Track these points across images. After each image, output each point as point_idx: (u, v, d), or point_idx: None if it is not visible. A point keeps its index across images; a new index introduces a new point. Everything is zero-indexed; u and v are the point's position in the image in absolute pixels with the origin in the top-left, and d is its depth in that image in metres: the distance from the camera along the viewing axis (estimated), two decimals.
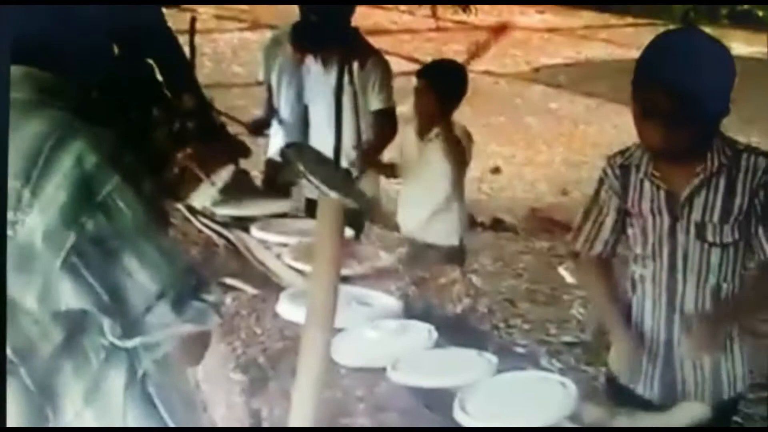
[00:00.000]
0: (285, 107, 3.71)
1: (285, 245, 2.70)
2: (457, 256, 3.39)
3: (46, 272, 1.26)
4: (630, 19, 12.36)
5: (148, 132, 2.07)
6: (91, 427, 1.36)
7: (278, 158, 3.70)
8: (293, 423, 1.58)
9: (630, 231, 2.18)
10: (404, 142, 3.55)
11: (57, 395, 1.34)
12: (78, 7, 1.37)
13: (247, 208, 2.97)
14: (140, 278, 1.27)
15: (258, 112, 4.04)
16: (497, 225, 5.25)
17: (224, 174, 2.86)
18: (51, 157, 1.25)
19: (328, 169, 1.55)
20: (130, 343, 1.29)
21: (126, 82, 1.54)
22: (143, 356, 1.34)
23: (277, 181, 3.59)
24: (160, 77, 2.73)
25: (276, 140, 3.76)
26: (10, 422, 1.35)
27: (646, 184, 2.10)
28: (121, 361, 1.34)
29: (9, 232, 1.26)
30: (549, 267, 4.72)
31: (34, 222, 1.24)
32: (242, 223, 2.85)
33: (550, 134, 7.67)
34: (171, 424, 1.41)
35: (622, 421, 1.73)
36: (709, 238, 2.04)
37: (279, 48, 3.74)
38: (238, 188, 3.02)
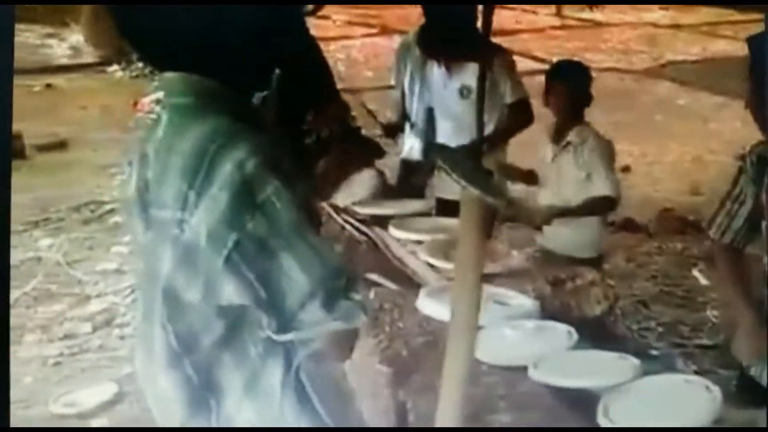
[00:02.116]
0: (416, 110, 3.77)
1: (420, 242, 2.77)
2: (594, 261, 3.31)
3: (209, 269, 1.34)
4: (755, 15, 11.80)
5: (301, 137, 2.17)
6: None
7: (412, 158, 3.78)
8: (440, 416, 1.63)
9: (764, 223, 2.17)
10: (539, 154, 3.43)
11: (219, 386, 1.42)
12: (231, 17, 1.41)
13: (385, 207, 3.07)
14: (295, 276, 1.32)
15: (389, 115, 4.12)
16: (629, 225, 5.14)
17: (369, 180, 2.98)
18: (215, 160, 1.32)
19: (470, 167, 1.57)
20: (285, 338, 1.36)
21: (281, 90, 1.61)
22: (298, 350, 1.42)
23: (413, 180, 3.66)
24: (307, 84, 2.84)
25: (409, 141, 3.83)
26: (176, 411, 1.44)
27: None
28: (279, 355, 1.42)
29: (176, 230, 1.36)
30: (682, 268, 4.60)
31: (199, 221, 1.32)
32: (380, 221, 2.94)
33: (679, 132, 7.45)
34: (323, 414, 1.48)
35: (760, 422, 1.70)
36: None
37: (409, 52, 3.81)
38: (376, 188, 3.13)
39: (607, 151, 3.26)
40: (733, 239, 2.24)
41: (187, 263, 1.36)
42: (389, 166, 3.60)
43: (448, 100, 3.64)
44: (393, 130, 3.88)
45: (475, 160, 3.24)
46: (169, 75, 1.48)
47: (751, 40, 1.98)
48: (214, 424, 1.42)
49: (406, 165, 3.82)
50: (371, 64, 9.31)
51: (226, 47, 1.41)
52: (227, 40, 1.41)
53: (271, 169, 1.34)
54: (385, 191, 3.24)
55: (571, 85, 3.27)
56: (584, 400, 1.80)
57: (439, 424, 1.64)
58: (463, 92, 3.60)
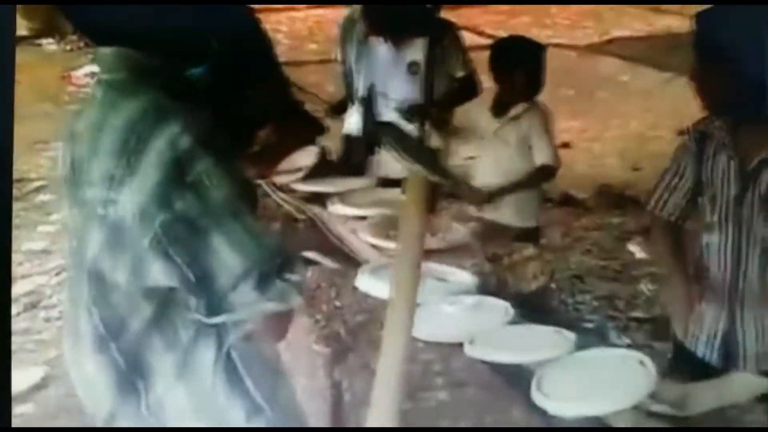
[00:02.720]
0: (361, 87, 3.74)
1: (362, 218, 2.76)
2: (532, 234, 3.38)
3: (136, 249, 1.31)
4: None
5: (237, 112, 2.14)
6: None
7: (355, 134, 3.75)
8: (376, 395, 1.63)
9: (701, 199, 2.21)
10: (476, 118, 3.50)
11: (148, 370, 1.39)
12: None
13: (326, 184, 3.04)
14: (226, 258, 1.30)
15: (331, 90, 4.09)
16: (567, 201, 5.20)
17: (310, 156, 2.95)
18: (146, 137, 1.29)
19: (415, 146, 1.58)
20: (215, 320, 1.34)
21: (217, 63, 1.58)
22: (230, 332, 1.40)
23: (354, 157, 3.64)
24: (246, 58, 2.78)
25: (352, 118, 3.81)
26: (103, 395, 1.41)
27: (720, 153, 2.12)
28: (210, 337, 1.40)
29: (101, 211, 1.32)
30: (619, 243, 4.67)
31: (128, 200, 1.29)
32: (320, 199, 2.92)
33: (621, 108, 7.54)
34: (257, 396, 1.46)
35: (694, 395, 1.74)
36: None
37: (354, 27, 3.77)
38: (317, 165, 3.10)
39: (548, 122, 3.33)
40: (671, 214, 2.27)
41: (114, 244, 1.33)
42: (331, 142, 3.57)
43: (397, 77, 3.61)
44: (339, 109, 3.84)
45: (420, 136, 3.25)
46: (104, 49, 1.44)
47: (699, 16, 1.99)
48: (143, 409, 1.40)
49: (349, 142, 3.80)
50: (316, 36, 9.20)
51: (163, 21, 1.38)
52: (164, 14, 1.38)
53: (204, 147, 1.31)
54: (326, 168, 3.21)
55: (528, 68, 3.29)
56: (520, 375, 1.81)
57: (374, 404, 1.64)
58: (412, 68, 3.59)
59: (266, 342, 1.50)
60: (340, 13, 3.99)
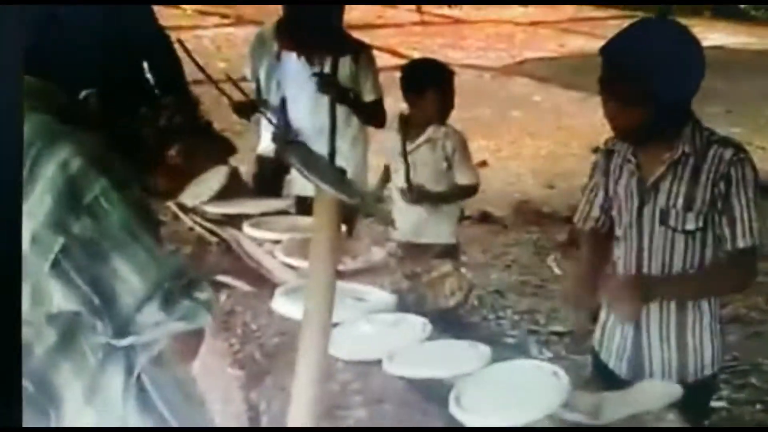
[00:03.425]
0: (273, 103, 3.72)
1: (277, 242, 2.72)
2: (451, 252, 3.41)
3: (36, 276, 1.27)
4: (613, 11, 12.44)
5: (137, 132, 2.09)
6: (94, 428, 1.38)
7: (267, 155, 3.72)
8: (292, 416, 1.60)
9: (613, 212, 2.28)
10: (390, 145, 3.52)
11: (57, 395, 1.35)
12: (65, 9, 1.38)
13: (238, 206, 2.97)
14: (129, 279, 1.28)
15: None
16: (485, 218, 5.28)
17: (219, 177, 2.89)
18: (37, 162, 1.27)
19: (323, 166, 1.56)
20: (123, 343, 1.31)
21: (113, 83, 1.55)
22: (139, 354, 1.36)
23: (268, 178, 3.60)
24: (149, 75, 2.71)
25: (266, 136, 3.77)
26: (15, 423, 1.37)
27: (624, 168, 2.20)
28: (119, 360, 1.36)
29: None
30: (537, 259, 4.75)
31: (23, 227, 1.25)
32: (234, 221, 2.86)
33: (535, 127, 7.72)
34: (170, 420, 1.43)
35: (607, 404, 1.76)
36: (672, 223, 2.11)
37: (265, 46, 3.75)
38: (229, 186, 3.04)
39: (464, 144, 3.43)
40: (593, 227, 2.35)
41: None
42: (244, 162, 3.52)
43: (308, 93, 3.60)
44: (245, 109, 3.78)
45: (330, 158, 3.24)
46: None
47: (604, 49, 2.05)
48: None
49: (262, 162, 3.76)
50: (225, 54, 9.13)
51: (56, 44, 1.37)
52: (57, 37, 1.37)
53: (97, 169, 1.29)
54: (239, 189, 3.16)
55: (439, 90, 3.34)
56: (438, 390, 1.80)
57: (290, 425, 1.61)
58: (322, 87, 3.58)
59: (179, 365, 1.47)
60: (250, 31, 3.97)
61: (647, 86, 1.96)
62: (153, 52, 1.70)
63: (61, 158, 1.27)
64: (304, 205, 3.26)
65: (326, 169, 1.54)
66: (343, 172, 1.55)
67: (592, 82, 2.13)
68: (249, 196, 3.14)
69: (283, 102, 3.58)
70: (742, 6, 12.90)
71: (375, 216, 3.38)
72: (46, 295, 1.29)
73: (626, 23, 2.14)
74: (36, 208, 1.26)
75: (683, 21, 2.26)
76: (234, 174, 3.12)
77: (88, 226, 1.27)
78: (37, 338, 1.33)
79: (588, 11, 12.99)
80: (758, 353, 3.87)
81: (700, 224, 2.09)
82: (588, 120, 7.10)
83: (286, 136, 3.48)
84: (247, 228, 2.80)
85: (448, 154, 3.36)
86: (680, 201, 2.09)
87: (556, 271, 4.55)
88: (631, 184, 2.18)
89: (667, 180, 2.11)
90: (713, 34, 10.58)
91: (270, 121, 3.66)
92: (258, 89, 3.79)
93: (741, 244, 2.06)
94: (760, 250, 2.09)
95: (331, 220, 1.52)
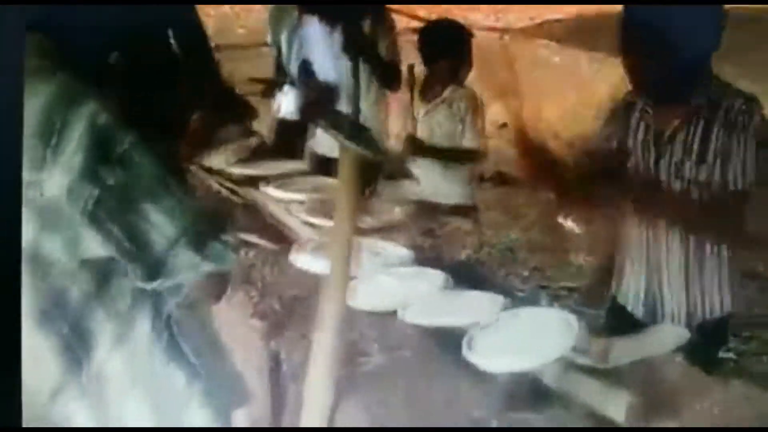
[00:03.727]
0: (294, 68, 3.76)
1: (300, 202, 2.80)
2: (468, 212, 3.45)
3: (72, 226, 1.34)
4: None
5: (162, 96, 2.15)
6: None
7: (289, 117, 3.77)
8: (313, 363, 1.68)
9: (628, 164, 2.30)
10: (406, 100, 3.54)
11: (89, 338, 1.42)
12: None
13: (261, 167, 3.06)
14: (161, 224, 1.35)
15: (263, 74, 4.09)
16: (503, 179, 5.31)
17: (244, 141, 2.97)
18: (67, 118, 1.32)
19: (348, 124, 1.62)
20: (152, 285, 1.38)
21: (138, 48, 1.60)
22: (167, 299, 1.44)
23: (289, 139, 3.66)
24: (173, 41, 2.75)
25: (287, 100, 3.82)
26: (52, 367, 1.44)
27: (641, 122, 2.24)
28: (147, 305, 1.44)
29: (34, 192, 1.34)
30: (552, 217, 4.78)
31: (58, 180, 1.32)
32: (256, 182, 2.94)
33: (556, 89, 7.68)
34: (195, 364, 1.51)
35: (616, 348, 1.82)
36: (687, 175, 2.14)
37: (285, 12, 3.79)
38: (252, 149, 3.12)
39: (479, 108, 3.42)
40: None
41: (49, 224, 1.35)
42: (266, 125, 3.58)
43: (331, 58, 3.63)
44: (271, 90, 3.85)
45: (354, 115, 3.29)
46: None
47: (626, 5, 2.08)
48: (84, 379, 1.43)
49: (283, 124, 3.81)
50: (243, 20, 9.13)
51: (80, 8, 1.40)
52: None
53: (125, 125, 1.35)
54: (260, 151, 3.23)
55: (455, 53, 3.35)
56: (453, 337, 1.87)
57: (311, 371, 1.69)
58: (346, 51, 3.62)
59: (205, 306, 1.53)
60: None
61: (667, 40, 1.99)
62: (177, 18, 1.75)
63: (88, 114, 1.32)
64: (323, 166, 3.33)
65: (351, 128, 1.60)
66: (367, 130, 1.61)
67: (611, 42, 2.15)
68: (271, 158, 3.21)
69: (306, 64, 3.62)
70: None
71: (397, 174, 3.41)
72: (82, 242, 1.35)
73: None
74: (70, 161, 1.31)
75: None
76: (256, 136, 3.20)
77: (120, 177, 1.33)
78: (74, 284, 1.39)
79: None
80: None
81: (716, 176, 2.12)
82: (609, 81, 7.06)
83: (310, 97, 3.52)
84: (271, 189, 2.89)
85: (462, 116, 3.38)
86: (694, 153, 2.13)
87: (570, 226, 4.57)
88: (649, 137, 2.22)
89: (681, 133, 2.15)
90: None
91: (291, 85, 3.71)
92: (278, 54, 3.83)
93: (731, 186, 2.08)
94: (749, 197, 2.11)
95: (355, 177, 1.58)
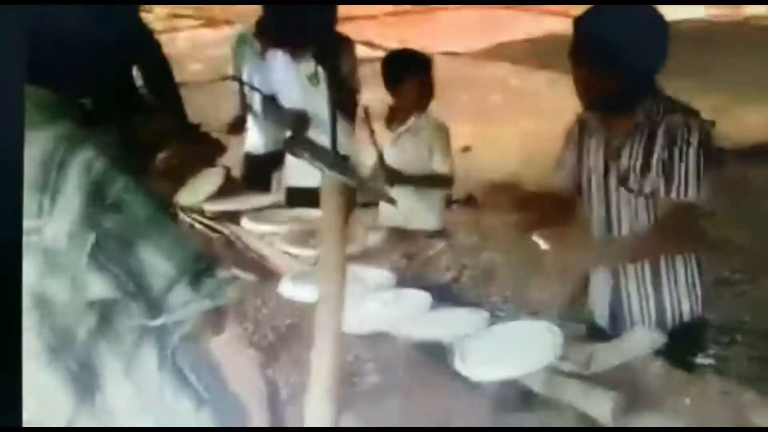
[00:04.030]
0: (258, 103, 3.81)
1: (276, 234, 2.84)
2: (440, 236, 3.50)
3: (74, 269, 1.40)
4: None
5: (134, 135, 2.19)
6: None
7: (256, 152, 3.81)
8: (312, 386, 1.73)
9: (582, 181, 2.42)
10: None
11: (98, 373, 1.47)
12: (61, 19, 1.44)
13: (234, 202, 3.09)
14: (159, 265, 1.41)
15: (222, 109, 4.13)
16: (471, 202, 5.39)
17: (215, 178, 3.01)
18: (63, 166, 1.38)
19: (328, 152, 1.67)
20: (156, 322, 1.44)
21: (113, 90, 1.65)
22: (172, 333, 1.50)
23: (258, 173, 3.68)
24: (139, 81, 2.81)
25: (252, 134, 3.87)
26: (63, 402, 1.48)
27: (594, 135, 2.35)
28: (152, 340, 1.49)
29: (35, 238, 1.39)
30: (523, 236, 4.85)
31: (57, 226, 1.38)
32: (232, 217, 2.98)
33: (514, 109, 7.83)
34: (203, 394, 1.56)
35: (598, 354, 1.90)
36: (631, 186, 2.25)
37: (246, 45, 3.85)
38: (222, 185, 3.16)
39: (445, 134, 3.50)
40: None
41: (51, 266, 1.40)
42: (233, 160, 3.61)
43: (296, 88, 3.69)
44: (237, 127, 3.90)
45: (333, 145, 3.32)
46: None
47: (577, 19, 2.19)
48: (98, 410, 1.47)
49: (250, 159, 3.85)
50: (198, 56, 9.19)
51: (56, 56, 1.44)
52: (57, 48, 1.44)
53: (118, 167, 1.41)
54: (231, 187, 3.26)
55: (418, 79, 3.42)
56: (443, 353, 1.95)
57: (311, 393, 1.73)
58: (312, 80, 3.67)
59: (206, 340, 1.59)
60: (222, 32, 4.06)
61: (616, 55, 2.09)
62: (143, 58, 1.78)
63: (83, 161, 1.38)
64: (295, 197, 3.37)
65: (333, 157, 1.65)
66: (346, 158, 1.65)
67: (564, 62, 2.24)
68: (240, 193, 3.24)
69: (274, 98, 3.67)
70: None
71: (375, 198, 3.46)
72: (85, 285, 1.40)
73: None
74: (68, 207, 1.37)
75: None
76: (225, 172, 3.23)
77: (116, 221, 1.39)
78: (80, 322, 1.44)
79: None
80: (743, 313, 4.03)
81: (659, 188, 2.20)
82: (566, 99, 7.22)
83: (282, 128, 3.55)
84: (246, 222, 2.93)
85: (429, 143, 3.44)
86: (638, 165, 2.22)
87: (543, 246, 4.66)
88: (599, 152, 2.32)
89: (627, 146, 2.24)
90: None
91: (255, 118, 3.75)
92: (241, 88, 3.87)
93: (674, 195, 2.15)
94: (699, 209, 2.18)
95: (339, 205, 1.61)
